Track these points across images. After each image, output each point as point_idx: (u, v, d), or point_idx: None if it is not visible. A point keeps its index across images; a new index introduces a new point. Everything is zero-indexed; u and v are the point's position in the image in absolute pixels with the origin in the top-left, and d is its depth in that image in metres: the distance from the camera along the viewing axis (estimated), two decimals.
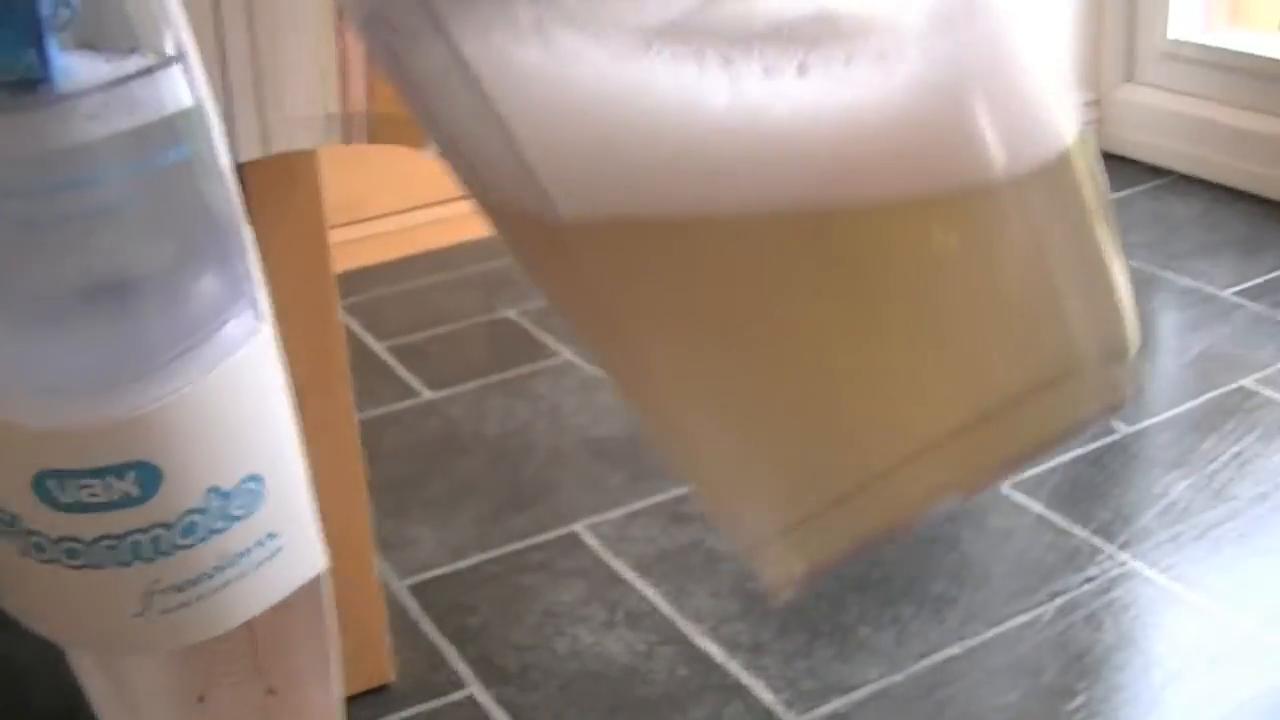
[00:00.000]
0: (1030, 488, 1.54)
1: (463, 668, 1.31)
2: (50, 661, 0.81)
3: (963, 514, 1.46)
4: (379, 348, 1.90)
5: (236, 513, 0.65)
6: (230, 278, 0.64)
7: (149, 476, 0.62)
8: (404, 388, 1.80)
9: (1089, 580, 1.39)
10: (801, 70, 0.39)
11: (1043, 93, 0.43)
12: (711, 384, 0.42)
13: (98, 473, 0.62)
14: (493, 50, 0.40)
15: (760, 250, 0.40)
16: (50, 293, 0.61)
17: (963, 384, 0.41)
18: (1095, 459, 1.60)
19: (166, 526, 0.63)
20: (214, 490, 0.64)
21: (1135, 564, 1.41)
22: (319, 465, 1.13)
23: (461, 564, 1.45)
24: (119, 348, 0.61)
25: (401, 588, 1.42)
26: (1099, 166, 0.45)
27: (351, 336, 1.91)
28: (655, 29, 0.40)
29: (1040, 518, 1.49)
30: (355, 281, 2.08)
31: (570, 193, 0.40)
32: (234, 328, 0.63)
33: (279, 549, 0.67)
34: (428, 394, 1.79)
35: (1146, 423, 1.68)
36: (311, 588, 0.78)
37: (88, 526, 0.63)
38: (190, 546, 0.64)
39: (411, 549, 1.47)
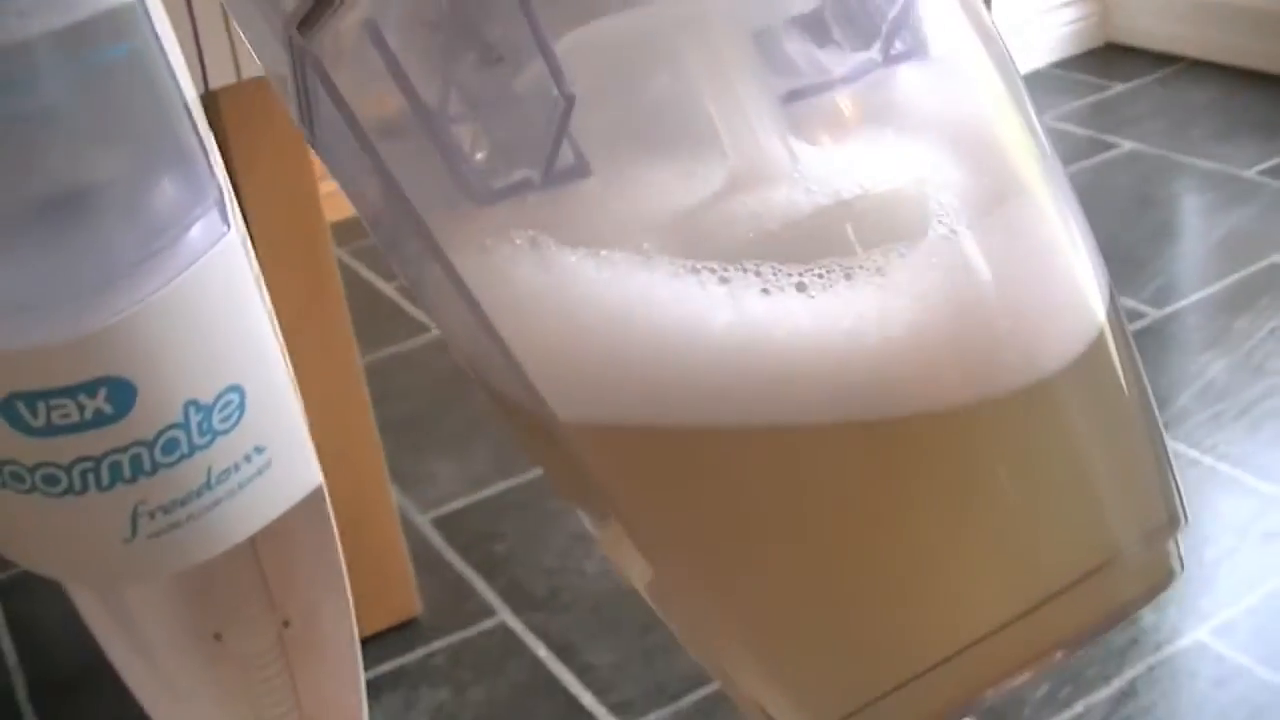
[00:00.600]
0: None
1: (491, 596, 1.28)
2: (74, 620, 0.79)
3: None
4: (388, 289, 1.87)
5: (219, 426, 0.61)
6: (191, 179, 0.60)
7: (122, 392, 0.59)
8: (415, 325, 1.76)
9: None
10: (801, 289, 0.38)
11: (1070, 271, 0.41)
12: (732, 591, 0.40)
13: (68, 391, 0.58)
14: (489, 270, 0.39)
15: (771, 461, 0.39)
16: (5, 207, 0.57)
17: (1004, 583, 0.39)
18: None
19: (145, 444, 0.60)
20: (192, 403, 0.60)
21: (1177, 445, 1.38)
22: (322, 398, 1.10)
23: (483, 494, 1.42)
24: (78, 259, 0.58)
25: (424, 522, 1.39)
26: (1127, 330, 0.42)
27: (359, 280, 1.88)
28: (657, 239, 0.39)
29: None
30: (360, 226, 2.04)
31: (569, 402, 0.39)
32: (199, 231, 0.60)
33: (268, 463, 0.64)
34: (438, 330, 1.76)
35: (1177, 305, 1.64)
36: (315, 514, 0.75)
37: (64, 450, 0.60)
38: (173, 464, 0.61)
39: (431, 483, 1.45)
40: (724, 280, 0.38)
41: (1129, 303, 1.63)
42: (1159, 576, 0.41)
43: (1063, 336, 0.40)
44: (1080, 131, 2.15)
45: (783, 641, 0.40)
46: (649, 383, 0.38)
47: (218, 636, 0.84)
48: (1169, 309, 1.62)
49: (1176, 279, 1.70)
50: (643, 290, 0.38)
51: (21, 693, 1.24)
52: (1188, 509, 0.42)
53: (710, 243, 0.39)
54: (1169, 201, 1.92)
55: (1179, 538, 0.42)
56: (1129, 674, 1.10)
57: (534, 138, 0.39)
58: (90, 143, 0.58)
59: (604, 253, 0.39)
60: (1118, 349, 0.41)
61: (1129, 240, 1.79)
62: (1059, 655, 0.40)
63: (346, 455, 1.14)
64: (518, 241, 0.39)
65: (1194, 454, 1.35)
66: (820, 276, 0.38)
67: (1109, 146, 2.09)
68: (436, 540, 1.35)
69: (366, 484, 1.16)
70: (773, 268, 0.38)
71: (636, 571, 0.43)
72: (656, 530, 0.41)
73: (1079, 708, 1.07)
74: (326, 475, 0.72)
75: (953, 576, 0.39)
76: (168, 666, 0.84)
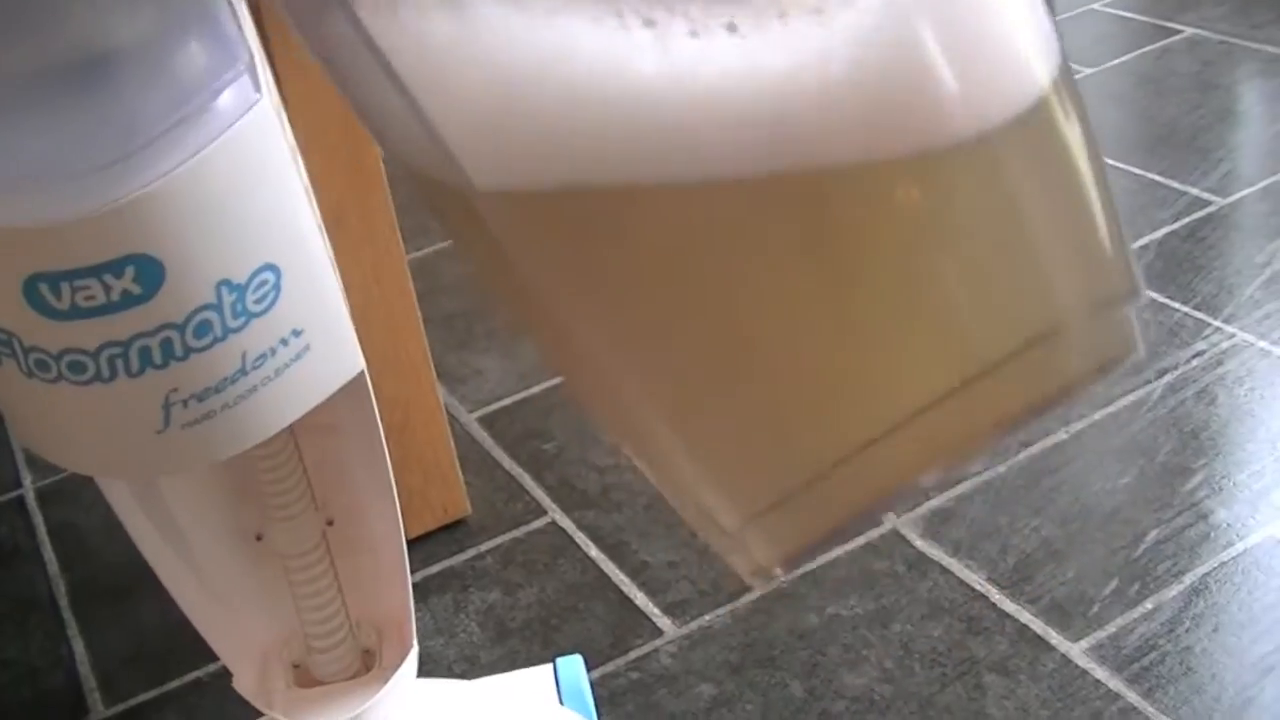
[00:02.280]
0: None
1: (541, 494, 1.25)
2: (114, 527, 0.76)
3: None
4: None
5: (253, 308, 0.58)
6: (220, 42, 0.56)
7: (149, 271, 0.55)
8: None
9: (1197, 355, 1.31)
10: (731, 29, 0.35)
11: (1013, 32, 0.38)
12: (656, 368, 0.38)
13: (92, 271, 0.55)
14: (400, 25, 0.36)
15: (699, 222, 0.36)
16: (18, 74, 0.54)
17: (938, 353, 0.37)
18: (1189, 233, 1.51)
19: (176, 327, 0.57)
20: (224, 283, 0.57)
21: (1244, 336, 1.33)
22: (365, 293, 1.07)
23: (531, 390, 1.39)
24: (99, 129, 0.54)
25: (471, 421, 1.36)
26: (1078, 97, 0.40)
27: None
28: None
29: None
30: None
31: (486, 165, 0.37)
32: (229, 98, 0.56)
33: (306, 347, 0.60)
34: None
35: (1241, 193, 1.59)
36: (358, 405, 0.72)
37: (89, 334, 0.56)
38: (206, 348, 0.57)
39: (478, 380, 1.42)
40: (649, 23, 0.35)
41: (1193, 191, 1.59)
42: (1112, 350, 0.39)
43: (1007, 90, 0.37)
44: (1140, 18, 2.09)
45: (709, 422, 0.38)
46: (572, 138, 0.35)
47: (259, 537, 0.82)
48: (1234, 196, 1.57)
49: (1241, 166, 1.65)
50: (563, 36, 0.35)
51: (63, 601, 1.22)
52: (1143, 284, 0.40)
53: None
54: (1232, 88, 1.86)
55: (1134, 312, 0.39)
56: (1200, 570, 1.07)
57: None
58: (111, 3, 0.54)
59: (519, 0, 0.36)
60: (1066, 119, 0.39)
61: (1191, 128, 1.74)
62: (999, 436, 0.37)
63: (392, 353, 1.11)
64: None
65: (1264, 345, 1.30)
66: (753, 13, 0.35)
67: (1170, 32, 2.03)
68: (485, 439, 1.32)
69: (412, 382, 1.13)
70: (701, 7, 0.35)
71: (559, 360, 0.41)
72: (579, 306, 0.38)
73: (1149, 605, 1.04)
74: (372, 374, 0.68)
75: (883, 348, 0.37)
76: (208, 569, 0.81)
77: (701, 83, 0.35)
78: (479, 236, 0.39)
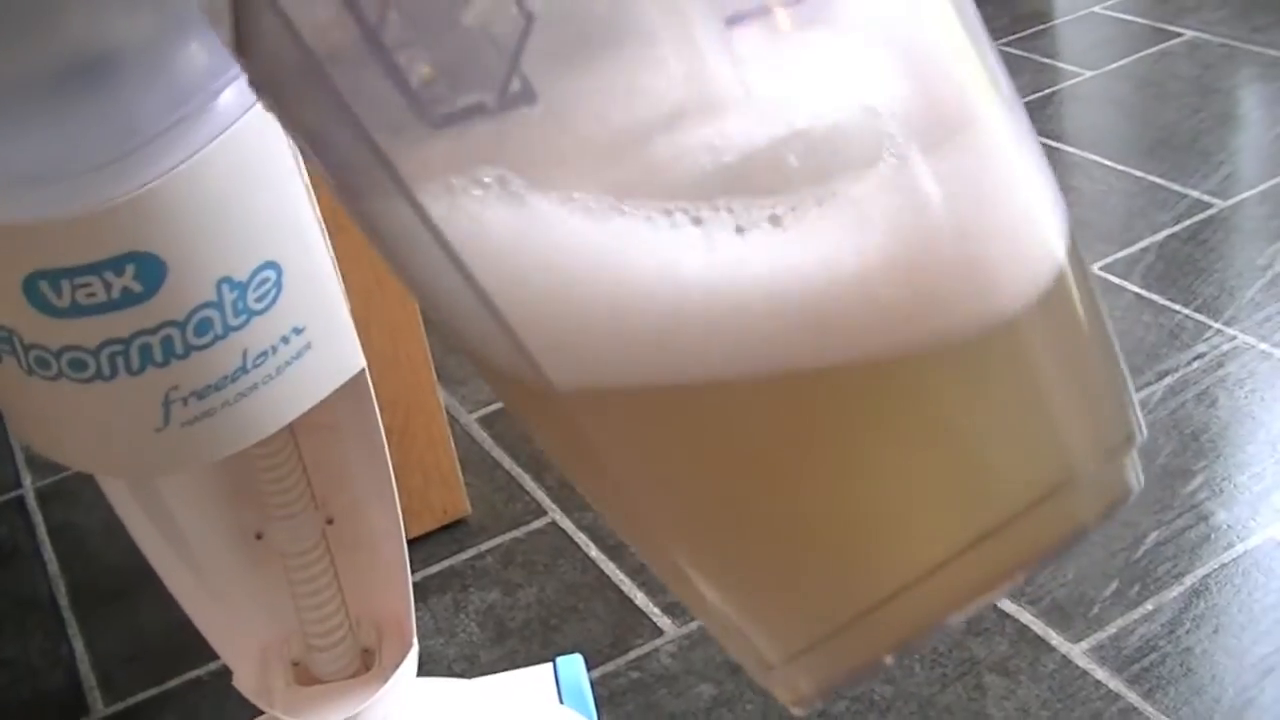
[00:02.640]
0: (1121, 270, 1.45)
1: (541, 495, 1.25)
2: (114, 527, 0.76)
3: None
4: None
5: (255, 306, 0.58)
6: (219, 42, 0.56)
7: (150, 269, 0.55)
8: None
9: (1198, 358, 1.31)
10: (775, 222, 0.36)
11: (1034, 211, 0.40)
12: (711, 534, 0.41)
13: (93, 268, 0.55)
14: (461, 212, 0.37)
15: (754, 412, 0.38)
16: (23, 73, 0.54)
17: (964, 509, 0.39)
18: (1190, 235, 1.51)
19: (177, 325, 0.57)
20: (225, 281, 0.57)
21: (1245, 338, 1.33)
22: (367, 294, 1.07)
23: None
24: (100, 127, 0.54)
25: (471, 421, 1.36)
26: (1079, 253, 0.41)
27: None
28: (624, 183, 0.37)
29: (1137, 297, 1.41)
30: None
31: (561, 363, 0.38)
32: (230, 97, 0.56)
33: (307, 345, 0.60)
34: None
35: (1242, 196, 1.59)
36: (358, 403, 0.72)
37: (90, 332, 0.56)
38: (207, 346, 0.58)
39: (478, 381, 1.42)
40: (697, 221, 0.36)
41: (1193, 194, 1.58)
42: (1117, 493, 0.41)
43: (1022, 275, 0.39)
44: (1140, 21, 2.09)
45: (759, 574, 0.40)
46: (632, 332, 0.37)
47: (259, 535, 0.82)
48: (1235, 199, 1.57)
49: (1242, 169, 1.65)
50: (618, 233, 0.36)
51: (64, 600, 1.22)
52: (1144, 425, 0.42)
53: (666, 177, 0.37)
54: (1232, 91, 1.86)
55: (1135, 454, 0.42)
56: (1200, 572, 1.07)
57: (482, 60, 0.37)
58: (114, 4, 0.54)
59: (576, 195, 0.37)
60: (1078, 284, 0.40)
61: (1191, 131, 1.74)
62: (1019, 577, 0.40)
63: (392, 354, 1.11)
64: (486, 180, 0.37)
65: (1264, 347, 1.30)
66: (793, 204, 0.37)
67: (1171, 35, 2.03)
68: (485, 440, 1.32)
69: (413, 383, 1.13)
70: (745, 199, 0.36)
71: (627, 529, 0.43)
72: (647, 490, 0.40)
73: (1149, 606, 1.04)
74: (372, 375, 0.69)
75: (912, 507, 0.39)
76: (208, 567, 0.81)
77: (749, 275, 0.36)
78: (550, 426, 0.41)
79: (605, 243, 0.36)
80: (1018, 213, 0.40)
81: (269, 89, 0.40)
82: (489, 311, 0.38)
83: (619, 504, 0.42)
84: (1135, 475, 0.42)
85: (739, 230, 0.36)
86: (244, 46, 0.40)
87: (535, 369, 0.38)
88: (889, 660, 0.40)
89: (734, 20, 0.39)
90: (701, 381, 0.37)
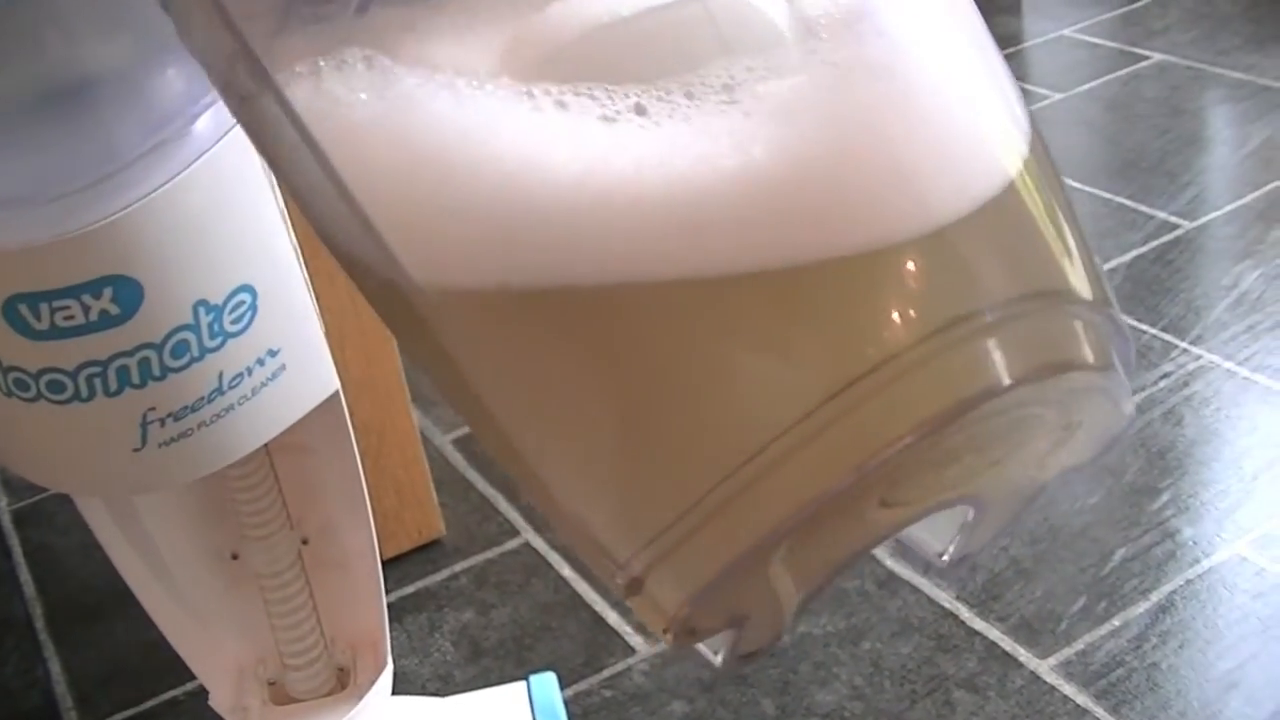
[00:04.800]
0: None
1: (515, 516, 1.26)
2: (91, 549, 0.77)
3: None
4: None
5: (230, 328, 0.59)
6: (196, 68, 0.57)
7: (128, 292, 0.56)
8: None
9: (1164, 376, 1.33)
10: (640, 110, 0.33)
11: (977, 117, 0.36)
12: (562, 432, 0.36)
13: (71, 291, 0.56)
14: (324, 97, 0.35)
15: (616, 321, 0.34)
16: (1, 98, 0.55)
17: (827, 353, 0.33)
18: (1158, 256, 1.53)
19: (154, 347, 0.58)
20: (202, 303, 0.58)
21: (1211, 357, 1.35)
22: (341, 318, 1.08)
23: None
24: (78, 152, 0.55)
25: (445, 442, 1.37)
26: (1053, 168, 0.37)
27: None
28: (496, 62, 0.35)
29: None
30: None
31: (423, 260, 0.35)
32: (206, 122, 0.57)
33: (282, 367, 0.61)
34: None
35: (1209, 216, 1.61)
36: (333, 424, 0.73)
37: (68, 354, 0.57)
38: (183, 368, 0.59)
39: None
40: (561, 105, 0.34)
41: (1161, 215, 1.60)
42: (1058, 353, 0.34)
43: (964, 182, 0.34)
44: (1109, 44, 2.11)
45: (605, 464, 0.35)
46: (497, 228, 0.34)
47: (234, 556, 0.82)
48: (1201, 220, 1.59)
49: (1209, 190, 1.67)
50: (484, 118, 0.34)
51: (40, 622, 1.22)
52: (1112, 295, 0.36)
53: (537, 52, 0.35)
54: (1199, 113, 1.88)
55: (1106, 321, 0.35)
56: (1166, 588, 1.08)
57: None
58: (91, 30, 0.55)
59: (439, 75, 0.34)
60: (1037, 189, 0.36)
61: (1159, 152, 1.76)
62: (919, 435, 0.32)
63: (367, 375, 1.12)
64: (350, 61, 0.35)
65: (1230, 365, 1.32)
66: (661, 99, 0.33)
67: (1138, 58, 2.05)
68: (459, 461, 1.33)
69: (387, 405, 1.14)
70: (606, 90, 0.34)
71: (479, 426, 0.39)
72: (500, 389, 0.37)
73: (1116, 622, 1.05)
74: (347, 397, 0.69)
75: (764, 359, 0.33)
76: (184, 588, 0.82)
77: (614, 172, 0.33)
78: (410, 326, 0.38)
79: (468, 125, 0.34)
80: (953, 117, 0.35)
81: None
82: (349, 201, 0.35)
83: (477, 407, 0.38)
84: (1091, 342, 0.35)
85: (604, 119, 0.34)
86: None
87: (395, 265, 0.35)
88: (818, 581, 0.34)
89: None
90: (561, 286, 0.34)
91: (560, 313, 0.34)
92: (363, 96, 0.35)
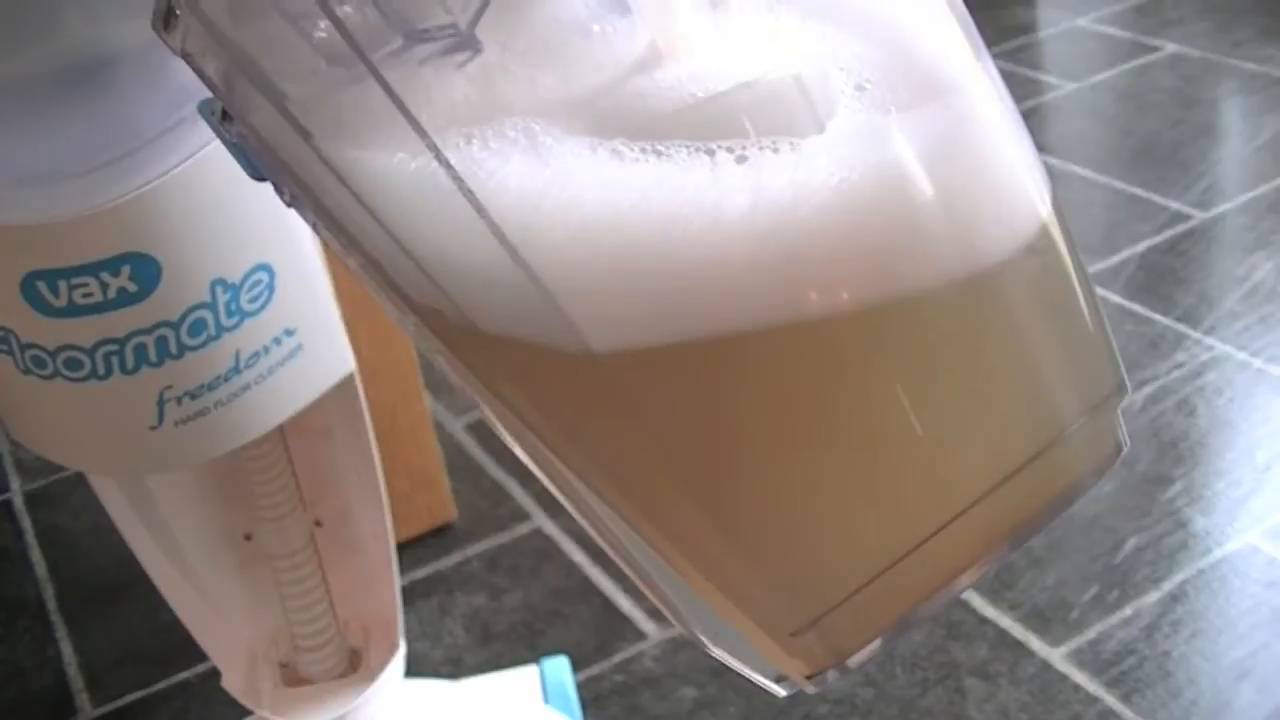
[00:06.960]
0: (1105, 279, 1.47)
1: (527, 501, 1.26)
2: (103, 531, 0.77)
3: None
4: None
5: (247, 307, 0.59)
6: None
7: (146, 269, 0.56)
8: None
9: (1177, 367, 1.32)
10: (740, 161, 0.36)
11: (1015, 167, 0.40)
12: (730, 494, 0.39)
13: (89, 268, 0.56)
14: (476, 162, 0.35)
15: (774, 366, 0.37)
16: (22, 76, 0.55)
17: (952, 474, 0.39)
18: (1171, 246, 1.53)
19: (171, 325, 0.58)
20: (219, 282, 0.58)
21: (1224, 348, 1.35)
22: (356, 301, 1.08)
23: None
24: (98, 130, 0.55)
25: (458, 427, 1.37)
26: (1065, 219, 0.42)
27: None
28: (596, 118, 0.36)
29: (1119, 307, 1.42)
30: None
31: (600, 324, 0.36)
32: None
33: (299, 347, 0.62)
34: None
35: (1222, 207, 1.60)
36: (348, 406, 0.73)
37: (86, 331, 0.57)
38: (200, 346, 0.59)
39: None
40: (743, 159, 0.36)
41: (1174, 205, 1.60)
42: (1105, 450, 0.41)
43: (1005, 227, 0.39)
44: (1122, 34, 2.11)
45: (775, 535, 0.39)
46: (671, 282, 0.35)
47: (248, 537, 0.82)
48: (1215, 211, 1.58)
49: (1222, 181, 1.66)
50: (651, 176, 0.35)
51: (51, 603, 1.23)
52: (1127, 381, 0.42)
53: (640, 116, 0.36)
54: (1213, 104, 1.88)
55: (1121, 413, 0.42)
56: (1178, 577, 1.08)
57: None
58: (111, 7, 0.55)
59: (597, 141, 0.36)
60: (1062, 241, 0.41)
61: (1173, 143, 1.76)
62: (1007, 547, 0.40)
63: (380, 359, 1.12)
64: (510, 134, 0.35)
65: (1243, 356, 1.32)
66: (775, 151, 0.36)
67: (1151, 49, 2.05)
68: (471, 445, 1.33)
69: (400, 388, 1.14)
70: (731, 135, 0.36)
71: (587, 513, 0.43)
72: (669, 445, 0.38)
73: (1128, 611, 1.05)
74: (360, 380, 0.69)
75: (903, 473, 0.38)
76: (198, 569, 0.82)
77: (797, 221, 0.36)
78: (583, 397, 0.38)
79: (635, 185, 0.35)
80: (999, 168, 0.40)
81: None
82: (515, 267, 0.35)
83: (629, 469, 0.40)
84: (1122, 432, 0.42)
85: (739, 160, 0.36)
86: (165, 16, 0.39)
87: (573, 331, 0.36)
88: (905, 627, 0.40)
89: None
90: (732, 335, 0.36)
91: (739, 359, 0.37)
92: (520, 164, 0.35)
